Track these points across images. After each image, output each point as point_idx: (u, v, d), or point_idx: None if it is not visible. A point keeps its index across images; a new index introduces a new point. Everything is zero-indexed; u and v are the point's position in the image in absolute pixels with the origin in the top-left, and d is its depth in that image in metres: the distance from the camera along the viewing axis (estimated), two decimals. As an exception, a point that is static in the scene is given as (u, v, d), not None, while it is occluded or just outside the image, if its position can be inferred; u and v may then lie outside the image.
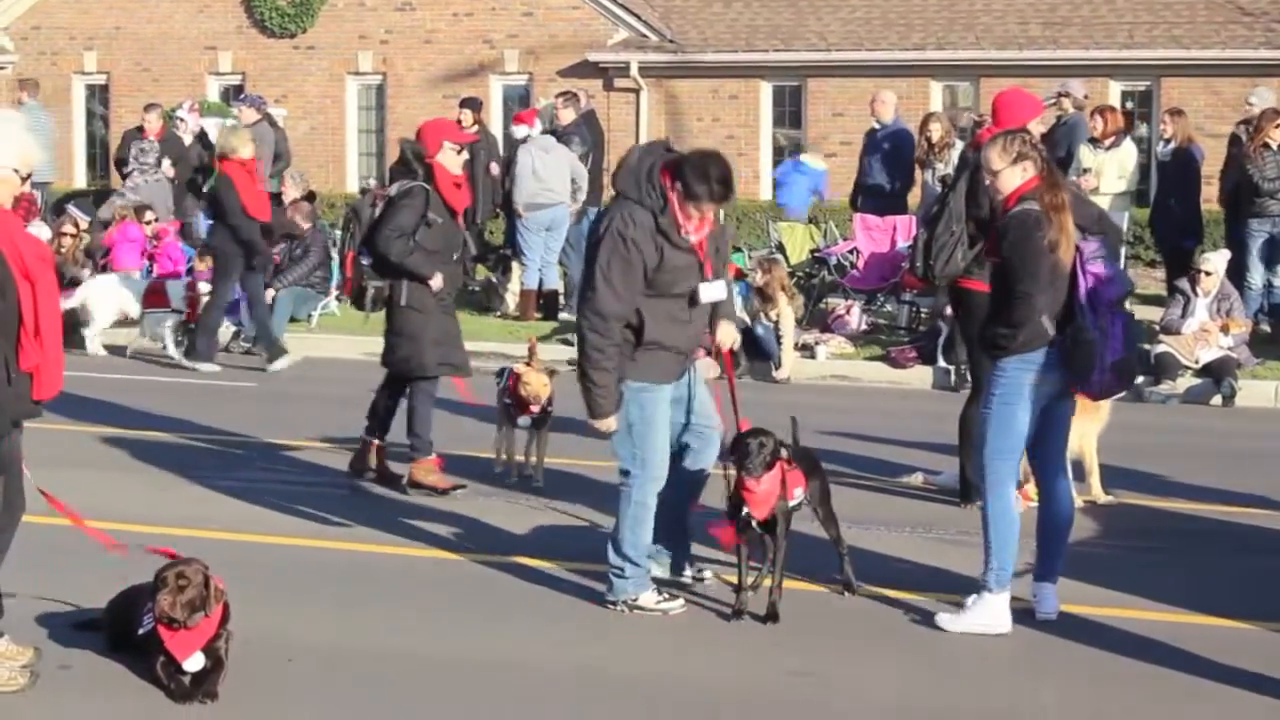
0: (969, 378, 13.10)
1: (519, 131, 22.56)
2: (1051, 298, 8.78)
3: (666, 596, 9.50)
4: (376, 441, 12.90)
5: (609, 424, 9.23)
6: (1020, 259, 8.87)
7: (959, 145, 19.98)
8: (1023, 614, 9.05)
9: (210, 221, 19.66)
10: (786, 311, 19.12)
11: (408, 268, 12.37)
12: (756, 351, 19.11)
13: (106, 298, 20.97)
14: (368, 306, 12.62)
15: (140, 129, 26.28)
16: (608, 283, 9.02)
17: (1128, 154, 20.37)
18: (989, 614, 8.94)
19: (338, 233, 25.41)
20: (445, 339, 12.57)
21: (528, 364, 12.95)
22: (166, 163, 25.55)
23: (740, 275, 20.95)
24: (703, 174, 9.08)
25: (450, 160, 12.48)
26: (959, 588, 9.69)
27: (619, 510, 9.44)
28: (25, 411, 7.94)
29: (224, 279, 19.37)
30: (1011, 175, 8.94)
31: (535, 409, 12.72)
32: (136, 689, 8.04)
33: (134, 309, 20.92)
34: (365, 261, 12.45)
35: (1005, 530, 8.97)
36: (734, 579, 9.42)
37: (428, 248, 12.33)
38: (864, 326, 20.91)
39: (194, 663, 7.96)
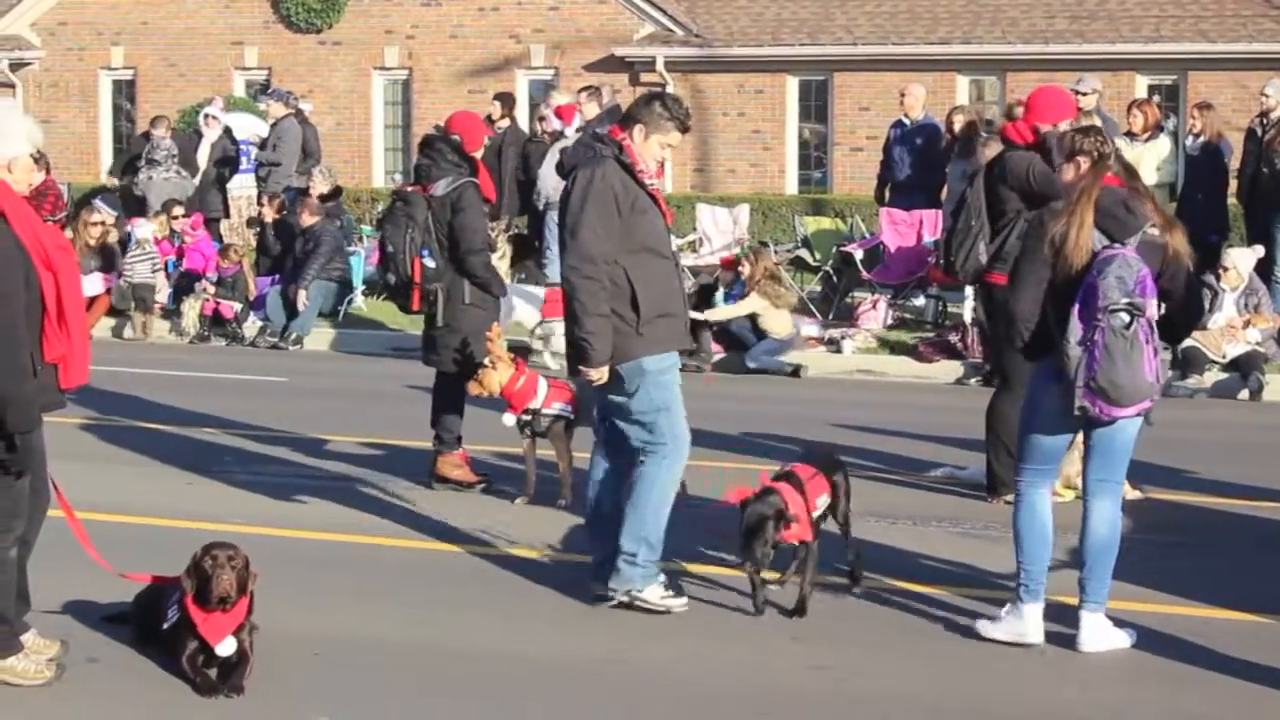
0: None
1: (557, 125, 22.44)
2: (1045, 299, 8.52)
3: (672, 593, 9.36)
4: (459, 452, 12.69)
5: (602, 373, 9.13)
6: (1015, 264, 8.84)
7: (984, 139, 19.97)
8: (1052, 609, 9.00)
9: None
10: (762, 305, 19.01)
11: (487, 282, 12.44)
12: (733, 342, 19.15)
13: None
14: (439, 309, 12.34)
15: (147, 135, 26.39)
16: (587, 226, 9.04)
17: (1164, 147, 20.39)
18: (1019, 626, 8.78)
19: (365, 228, 25.48)
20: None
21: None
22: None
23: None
24: (674, 102, 9.43)
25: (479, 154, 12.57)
26: (985, 582, 9.68)
27: (638, 494, 9.25)
28: (52, 402, 7.96)
29: None
30: (1068, 171, 8.77)
31: (518, 409, 11.95)
32: (163, 682, 8.04)
33: (530, 318, 19.97)
34: (430, 264, 12.26)
35: (1032, 542, 8.75)
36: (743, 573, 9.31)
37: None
38: (890, 321, 20.90)
39: (226, 647, 7.98)
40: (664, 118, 9.33)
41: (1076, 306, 8.33)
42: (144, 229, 23.03)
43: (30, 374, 7.67)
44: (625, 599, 9.28)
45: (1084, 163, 8.65)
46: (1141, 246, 8.47)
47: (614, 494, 9.47)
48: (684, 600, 9.36)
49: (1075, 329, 8.33)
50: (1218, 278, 18.17)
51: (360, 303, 22.81)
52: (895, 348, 19.88)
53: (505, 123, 23.86)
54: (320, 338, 21.37)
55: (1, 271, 7.59)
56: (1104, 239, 8.42)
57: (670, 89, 32.03)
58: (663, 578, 9.39)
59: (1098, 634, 8.68)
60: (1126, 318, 8.25)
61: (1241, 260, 18.28)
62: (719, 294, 20.08)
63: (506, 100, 24.98)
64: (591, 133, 9.64)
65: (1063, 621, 8.87)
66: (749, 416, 15.47)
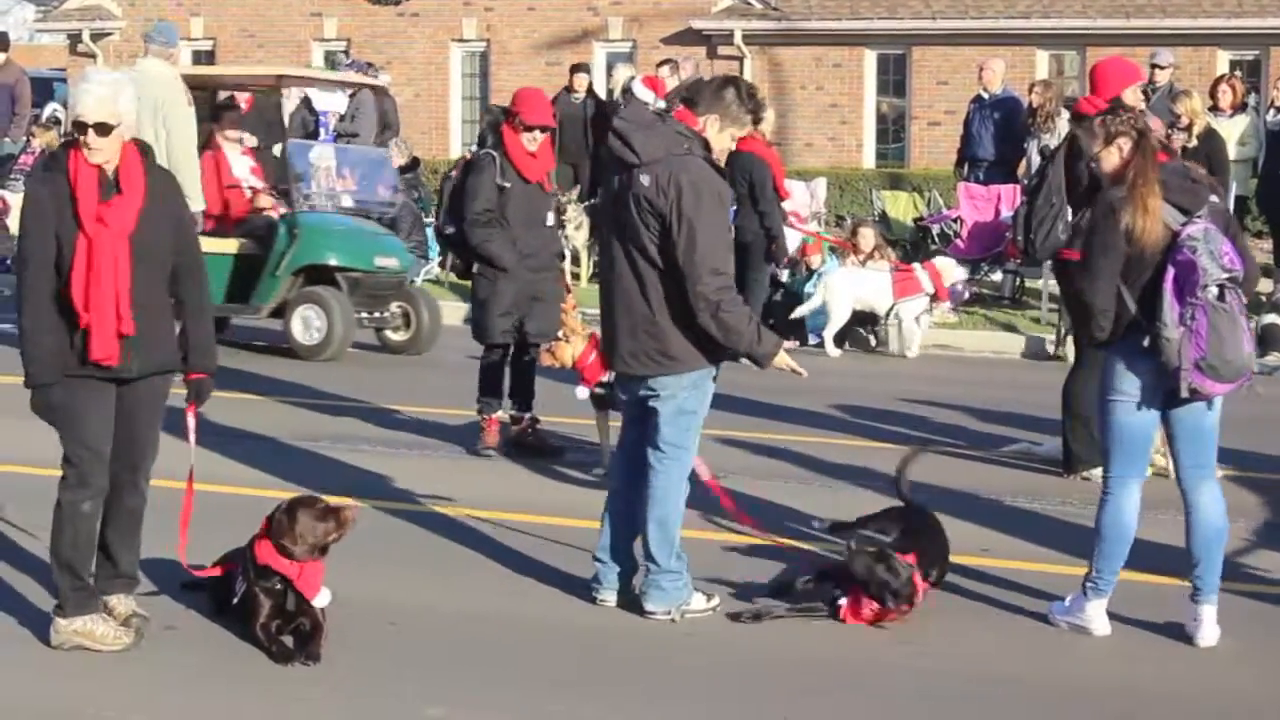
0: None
1: (645, 95, 22.29)
2: (1130, 285, 8.30)
3: (708, 595, 8.94)
4: (525, 416, 12.92)
5: (784, 358, 8.80)
6: (1084, 254, 8.59)
7: (1065, 114, 19.85)
8: (1147, 587, 8.93)
9: (734, 207, 15.73)
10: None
11: (484, 253, 12.53)
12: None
13: (843, 290, 18.68)
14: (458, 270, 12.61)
15: (231, 98, 26.18)
16: (721, 241, 8.54)
17: (1248, 122, 20.28)
18: (1083, 615, 8.63)
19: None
20: (517, 307, 12.60)
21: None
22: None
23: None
24: (748, 92, 8.84)
25: (523, 137, 12.49)
26: (1061, 559, 9.64)
27: (664, 509, 8.72)
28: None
29: (755, 268, 17.43)
30: (1109, 157, 8.55)
31: (590, 382, 11.77)
32: (238, 650, 8.10)
33: (882, 301, 18.88)
34: (448, 231, 12.59)
35: (1113, 543, 8.52)
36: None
37: (508, 215, 12.45)
38: (967, 296, 20.81)
39: (323, 598, 8.15)
40: (743, 110, 8.78)
41: (1170, 286, 8.16)
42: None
43: (40, 329, 7.80)
44: (677, 617, 8.78)
45: (1125, 144, 8.45)
46: (1211, 215, 8.36)
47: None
48: (716, 600, 8.95)
49: (1171, 309, 8.15)
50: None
51: (436, 273, 22.88)
52: (972, 322, 19.81)
53: (584, 95, 23.80)
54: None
55: (26, 221, 7.77)
56: (1177, 215, 8.30)
57: (748, 62, 31.97)
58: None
59: (1216, 627, 8.49)
60: (1217, 291, 8.14)
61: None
62: (818, 274, 19.52)
63: (586, 71, 24.88)
64: (668, 120, 8.76)
65: (1142, 598, 8.82)
66: (823, 391, 15.42)
